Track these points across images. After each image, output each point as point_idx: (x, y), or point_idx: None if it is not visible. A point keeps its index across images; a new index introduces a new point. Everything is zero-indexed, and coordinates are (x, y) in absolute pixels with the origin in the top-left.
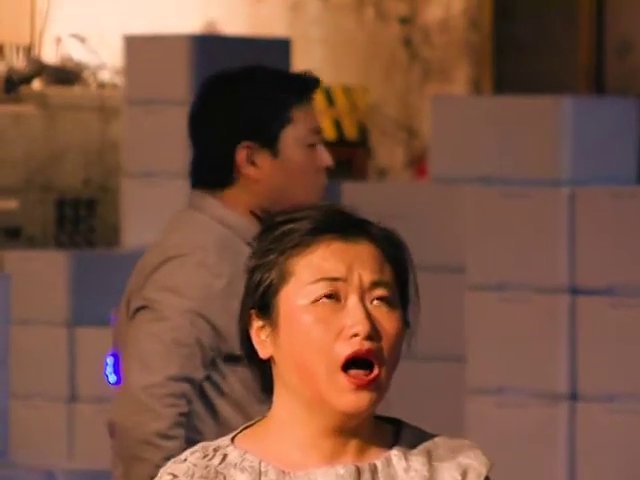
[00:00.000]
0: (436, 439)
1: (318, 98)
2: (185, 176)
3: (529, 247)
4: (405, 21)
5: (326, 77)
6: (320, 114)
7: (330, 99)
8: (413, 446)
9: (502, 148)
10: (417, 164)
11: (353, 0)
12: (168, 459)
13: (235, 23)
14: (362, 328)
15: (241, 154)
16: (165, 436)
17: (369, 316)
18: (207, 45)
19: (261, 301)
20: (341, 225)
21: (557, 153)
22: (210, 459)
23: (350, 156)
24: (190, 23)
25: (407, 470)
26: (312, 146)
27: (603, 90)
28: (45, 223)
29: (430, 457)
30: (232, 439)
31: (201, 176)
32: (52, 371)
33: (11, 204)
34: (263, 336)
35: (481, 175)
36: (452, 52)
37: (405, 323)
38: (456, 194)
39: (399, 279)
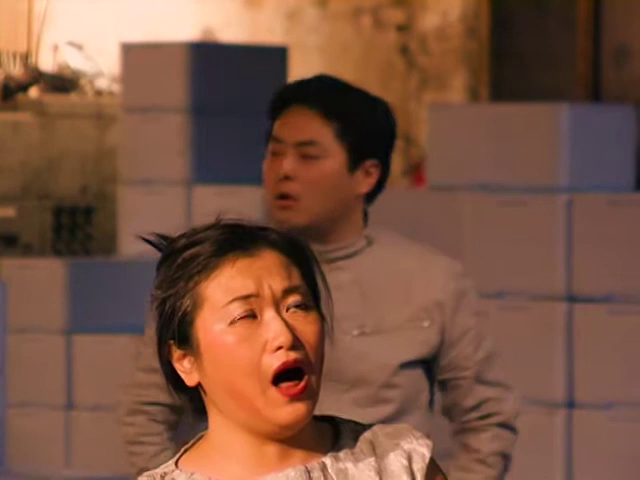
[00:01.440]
0: (374, 428)
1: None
2: (182, 183)
3: (526, 254)
4: (402, 29)
5: None
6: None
7: None
8: (355, 439)
9: (499, 156)
10: (415, 172)
11: (350, 8)
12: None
13: (232, 31)
14: (284, 339)
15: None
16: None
17: (288, 326)
18: (204, 53)
19: (179, 331)
20: (242, 240)
21: (554, 161)
22: None
23: None
24: (187, 31)
25: (355, 463)
26: (272, 154)
27: (600, 98)
28: (42, 231)
29: (374, 447)
30: (175, 463)
31: None
32: (49, 379)
33: (8, 212)
34: (187, 364)
35: (479, 183)
36: (449, 60)
37: (322, 319)
38: (454, 202)
39: (307, 278)
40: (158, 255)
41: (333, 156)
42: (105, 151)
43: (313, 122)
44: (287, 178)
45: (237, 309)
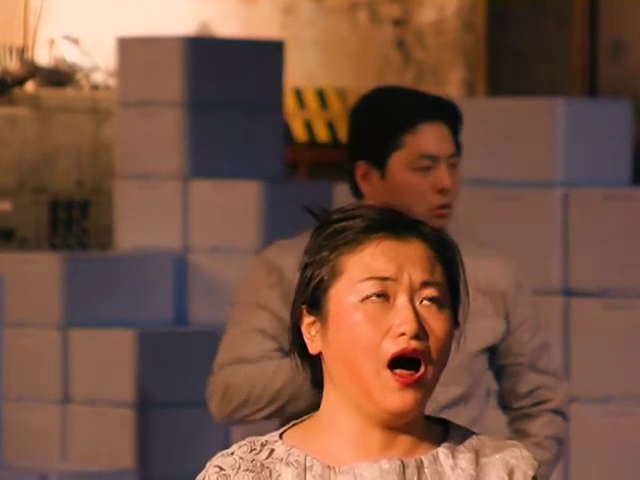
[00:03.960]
0: (483, 437)
1: (310, 100)
2: (178, 177)
3: (523, 249)
4: (398, 23)
5: (319, 79)
6: (314, 116)
7: (323, 101)
8: (461, 444)
9: (495, 150)
10: None
11: (346, 2)
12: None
13: (228, 25)
14: (409, 327)
15: (358, 171)
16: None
17: (417, 316)
18: (200, 47)
19: (312, 297)
20: (393, 224)
21: (550, 155)
22: (257, 453)
23: (343, 158)
24: (183, 25)
25: (454, 468)
26: (423, 169)
27: (596, 92)
28: (38, 225)
29: (477, 455)
30: (280, 435)
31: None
32: (45, 373)
33: (4, 206)
34: (313, 332)
35: (474, 177)
36: (446, 54)
37: (455, 323)
38: None
39: (449, 279)
40: (154, 250)
41: (459, 164)
42: (101, 145)
43: (450, 135)
44: (446, 189)
45: (371, 288)
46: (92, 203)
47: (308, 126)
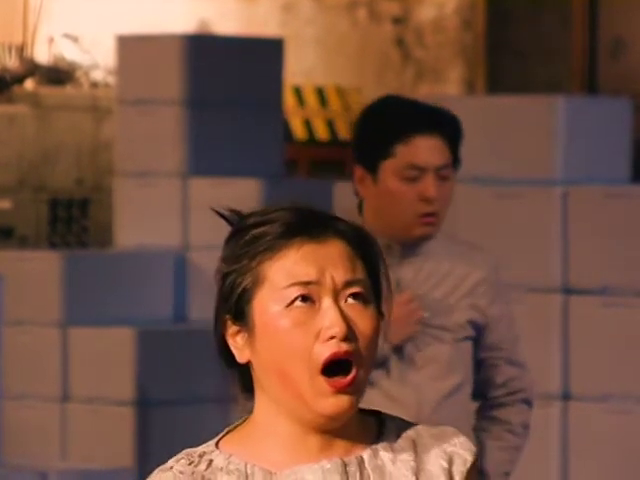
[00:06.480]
0: (418, 427)
1: (310, 98)
2: (177, 175)
3: (522, 247)
4: (398, 21)
5: (319, 77)
6: (313, 114)
7: (323, 99)
8: (397, 436)
9: (495, 148)
10: None
11: (346, 0)
12: None
13: (228, 23)
14: (339, 330)
15: (356, 174)
16: None
17: (344, 317)
18: (200, 45)
19: (236, 307)
20: (310, 225)
21: (550, 153)
22: (196, 465)
23: (343, 156)
24: (183, 23)
25: (394, 461)
26: (411, 179)
27: (596, 90)
28: (38, 223)
29: (415, 446)
30: (216, 443)
31: None
32: (45, 371)
33: (4, 204)
34: (240, 341)
35: (474, 175)
36: (445, 52)
37: (380, 315)
38: None
39: (371, 273)
40: (154, 248)
41: (453, 175)
42: (101, 143)
43: (444, 148)
44: (430, 199)
45: (295, 293)
46: (92, 201)
47: (307, 124)
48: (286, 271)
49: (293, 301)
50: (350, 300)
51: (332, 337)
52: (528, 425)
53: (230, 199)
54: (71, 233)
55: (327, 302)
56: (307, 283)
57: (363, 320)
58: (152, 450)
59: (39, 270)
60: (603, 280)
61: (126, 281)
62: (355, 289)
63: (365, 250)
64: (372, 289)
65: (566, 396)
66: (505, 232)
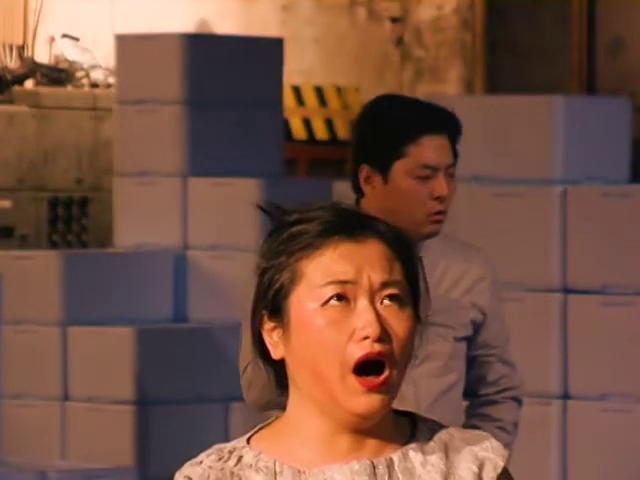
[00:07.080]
0: (451, 430)
1: (309, 98)
2: (177, 175)
3: (521, 246)
4: (397, 21)
5: (318, 77)
6: (313, 113)
7: (322, 99)
8: (429, 439)
9: (494, 147)
10: None
11: (345, 0)
12: None
13: (227, 23)
14: (372, 330)
15: (361, 173)
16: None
17: (379, 318)
18: (199, 45)
19: (272, 303)
20: (350, 225)
21: (549, 152)
22: (225, 461)
23: (342, 155)
24: (182, 23)
25: (424, 464)
26: (423, 178)
27: (595, 90)
28: (38, 223)
29: (447, 449)
30: (248, 440)
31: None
32: (45, 371)
33: (4, 203)
34: (275, 337)
35: (473, 174)
36: (444, 52)
37: (417, 318)
38: None
39: (408, 276)
40: (154, 248)
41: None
42: (100, 143)
43: (450, 146)
44: (442, 197)
45: (331, 292)
46: (91, 200)
47: (307, 123)
48: (323, 269)
49: (329, 299)
50: (386, 301)
51: (366, 337)
52: (518, 423)
53: (230, 199)
54: (71, 232)
55: (363, 302)
56: (344, 282)
57: (398, 322)
58: (152, 449)
59: (39, 269)
60: (602, 279)
61: (125, 280)
62: (391, 290)
63: (403, 252)
64: (409, 292)
65: (565, 395)
66: (504, 231)
